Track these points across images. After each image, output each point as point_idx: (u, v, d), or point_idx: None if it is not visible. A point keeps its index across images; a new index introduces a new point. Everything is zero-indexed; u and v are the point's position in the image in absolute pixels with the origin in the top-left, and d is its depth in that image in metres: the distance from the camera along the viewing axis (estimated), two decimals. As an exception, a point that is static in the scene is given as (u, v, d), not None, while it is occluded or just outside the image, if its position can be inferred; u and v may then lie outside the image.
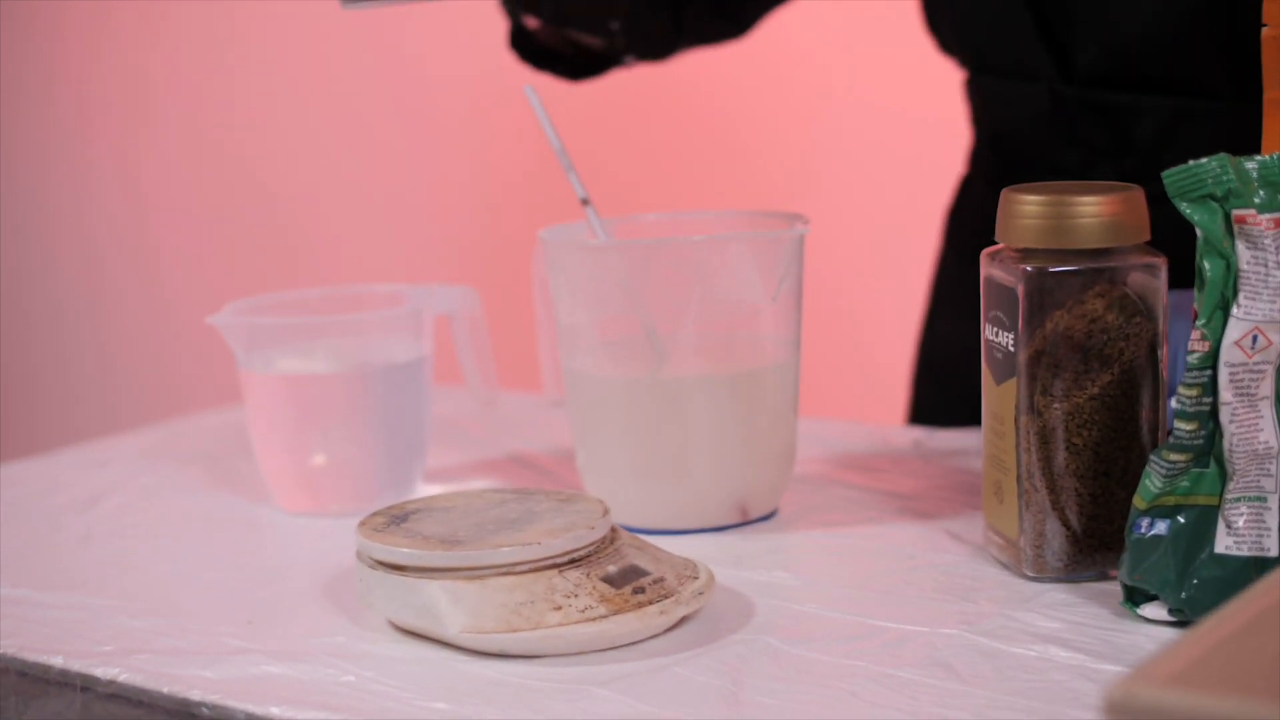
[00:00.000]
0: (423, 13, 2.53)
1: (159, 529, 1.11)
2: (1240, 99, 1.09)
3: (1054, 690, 0.79)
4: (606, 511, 0.92)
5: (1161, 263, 0.91)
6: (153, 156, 2.87)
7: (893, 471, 1.15)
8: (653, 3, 1.34)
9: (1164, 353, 0.92)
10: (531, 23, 1.34)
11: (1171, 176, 0.83)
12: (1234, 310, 0.82)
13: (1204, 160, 0.82)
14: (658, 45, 1.37)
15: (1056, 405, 0.91)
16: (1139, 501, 0.86)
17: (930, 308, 1.45)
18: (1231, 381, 0.83)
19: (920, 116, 1.87)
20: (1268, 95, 0.94)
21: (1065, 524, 0.92)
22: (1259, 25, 0.93)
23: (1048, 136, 1.23)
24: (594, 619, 0.85)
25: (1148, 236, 0.92)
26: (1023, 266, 0.91)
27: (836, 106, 1.84)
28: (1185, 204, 0.83)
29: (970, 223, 1.38)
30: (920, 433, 1.25)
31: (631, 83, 2.11)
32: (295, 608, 0.95)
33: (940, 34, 1.34)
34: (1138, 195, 0.91)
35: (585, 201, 1.08)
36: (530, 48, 1.36)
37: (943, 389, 1.42)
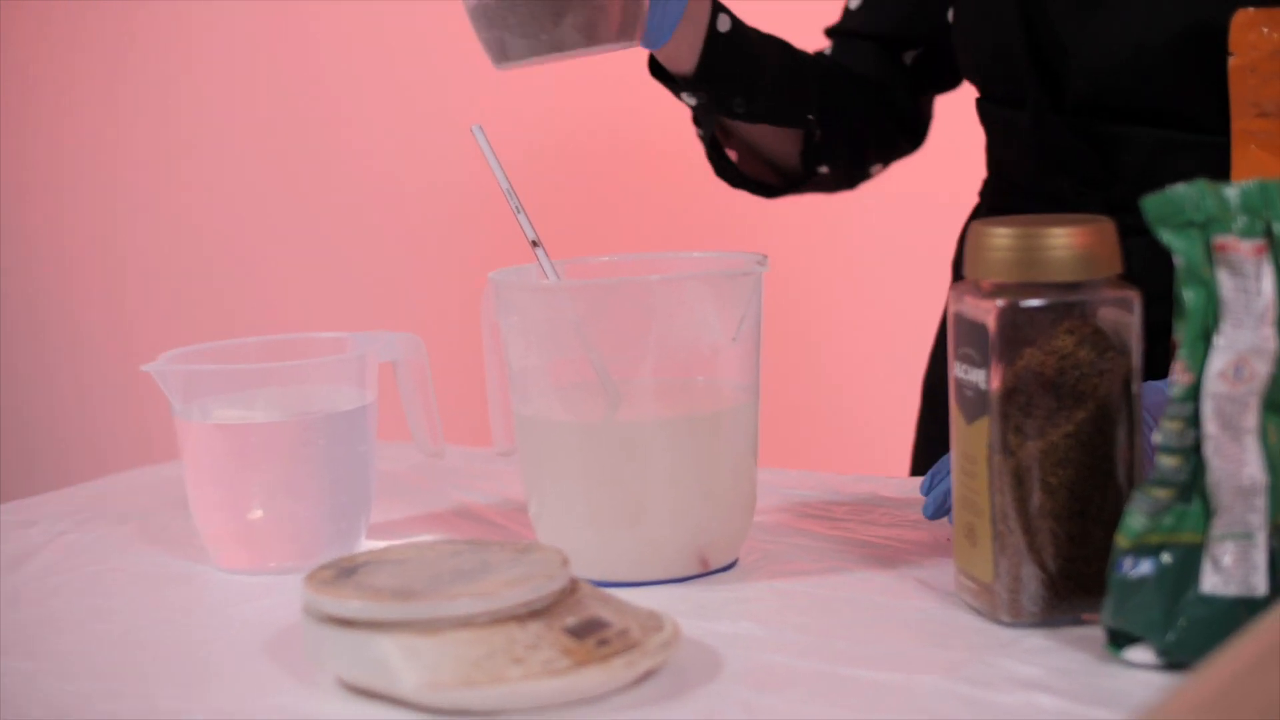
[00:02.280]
0: (365, 54, 2.49)
1: (89, 589, 1.06)
2: (1227, 132, 1.08)
3: (1043, 738, 0.75)
4: (565, 562, 0.88)
5: (1135, 296, 0.89)
6: (78, 205, 2.79)
7: (852, 520, 1.11)
8: (841, 102, 1.36)
9: (1137, 388, 0.89)
10: (733, 154, 1.37)
11: (1151, 204, 0.80)
12: (1216, 340, 0.80)
13: (1183, 186, 0.80)
14: (850, 157, 1.39)
15: (1030, 444, 0.88)
16: (1121, 540, 0.83)
17: (935, 347, 1.43)
18: (1216, 414, 0.80)
19: (946, 147, 1.87)
20: (1236, 125, 0.93)
21: (1041, 567, 0.89)
22: None
23: (1038, 165, 1.23)
24: (557, 672, 0.81)
25: (1120, 269, 0.89)
26: (994, 301, 0.88)
27: None
28: (1165, 231, 0.80)
29: None
30: (877, 482, 1.22)
31: (586, 118, 2.07)
32: (237, 667, 0.90)
33: (959, 56, 1.34)
34: (1109, 227, 0.89)
35: (535, 243, 1.04)
36: (727, 169, 1.38)
37: (944, 432, 1.39)
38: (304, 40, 2.57)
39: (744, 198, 1.40)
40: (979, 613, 0.92)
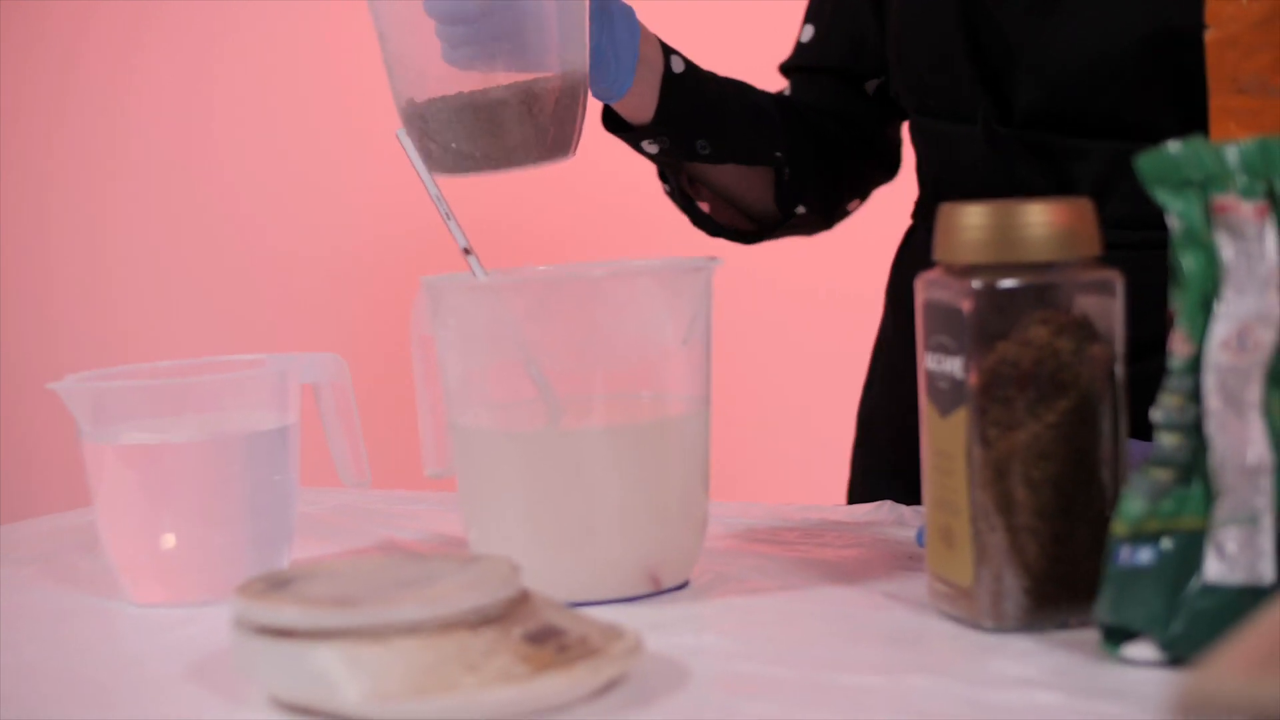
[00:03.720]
0: (282, 61, 2.43)
1: (-8, 626, 0.98)
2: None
3: (1052, 731, 0.69)
4: (516, 569, 0.81)
5: (1116, 278, 0.84)
6: None
7: (806, 543, 1.06)
8: (808, 139, 1.32)
9: (1122, 375, 0.84)
10: (705, 205, 1.32)
11: (1147, 161, 0.76)
12: (1218, 308, 0.75)
13: (1179, 142, 0.75)
14: (825, 193, 1.34)
15: (1010, 436, 0.83)
16: (1119, 527, 0.77)
17: (870, 371, 1.38)
18: (1219, 387, 0.75)
19: None
20: (1214, 103, 0.88)
21: (1025, 568, 0.83)
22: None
23: (986, 179, 1.17)
24: (516, 679, 0.74)
25: (1099, 250, 0.84)
26: (968, 282, 0.83)
27: None
28: (1162, 191, 0.75)
29: (910, 276, 1.32)
30: (824, 510, 1.16)
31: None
32: (159, 692, 0.83)
33: (891, 73, 1.29)
34: (1087, 205, 0.84)
35: (467, 251, 0.98)
36: (704, 221, 1.34)
37: (880, 457, 1.34)
38: (216, 52, 2.50)
39: (680, 223, 1.35)
40: (957, 620, 0.86)
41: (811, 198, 1.32)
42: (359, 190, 2.29)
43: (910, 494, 1.18)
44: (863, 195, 1.39)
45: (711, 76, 1.25)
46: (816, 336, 2.17)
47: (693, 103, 1.21)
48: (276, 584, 0.81)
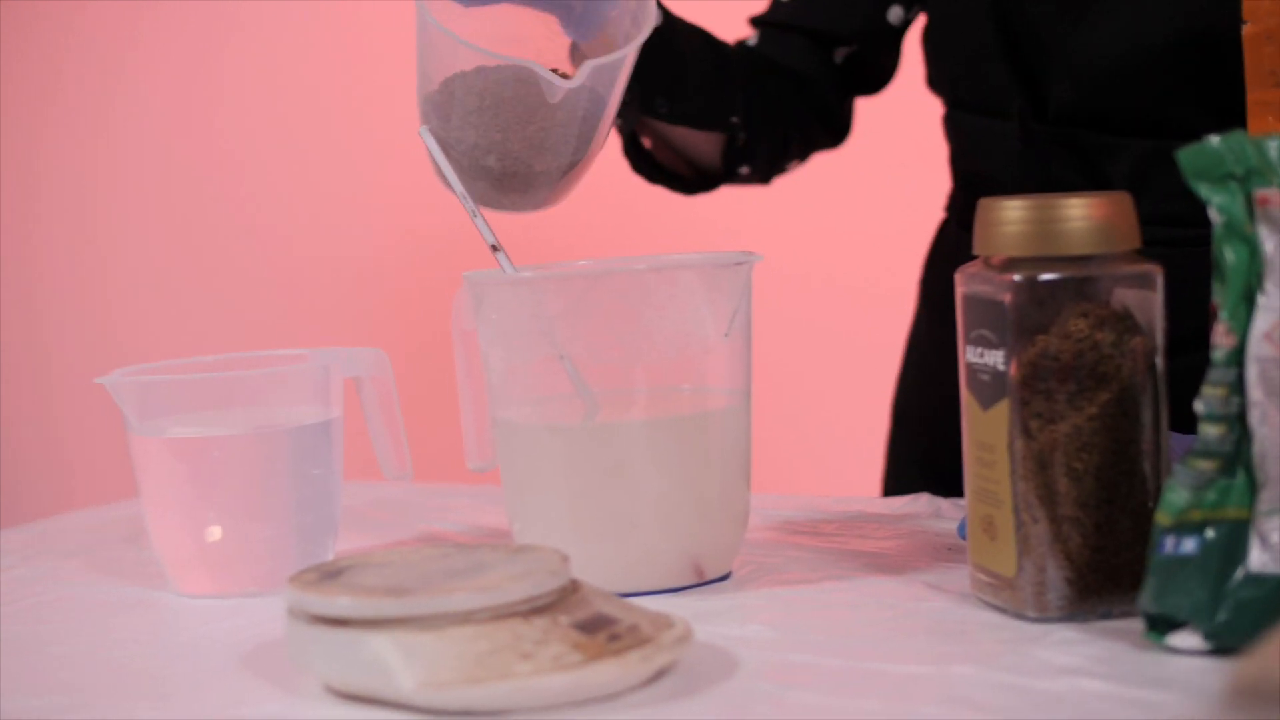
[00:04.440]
0: (323, 61, 2.43)
1: (43, 615, 0.99)
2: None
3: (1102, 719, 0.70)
4: (565, 559, 0.83)
5: (1156, 271, 0.85)
6: (40, 221, 2.66)
7: (845, 535, 1.06)
8: (766, 102, 1.30)
9: (1162, 367, 0.85)
10: (647, 141, 1.31)
11: (1187, 155, 0.77)
12: (1260, 299, 0.76)
13: (1220, 137, 0.76)
14: (771, 154, 1.33)
15: (1052, 427, 0.84)
16: (1163, 517, 0.78)
17: (904, 365, 1.38)
18: (1261, 378, 0.76)
19: (904, 161, 1.80)
20: (1251, 97, 0.89)
21: (1068, 558, 0.84)
22: (1242, 65, 0.88)
23: (1020, 175, 1.18)
24: (569, 667, 0.75)
25: (1139, 243, 0.85)
26: (1010, 276, 0.84)
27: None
28: (1203, 185, 0.76)
29: (944, 272, 1.32)
30: (861, 501, 1.17)
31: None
32: (213, 679, 0.84)
33: (928, 65, 1.29)
34: (1126, 199, 0.85)
35: (495, 247, 0.99)
36: (645, 162, 1.32)
37: (913, 450, 1.35)
38: (258, 52, 2.50)
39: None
40: (1000, 610, 0.87)
41: (758, 160, 1.32)
42: (394, 186, 2.29)
43: (944, 486, 1.19)
44: (804, 158, 1.38)
45: (683, 29, 1.22)
46: (848, 329, 2.18)
47: (660, 57, 1.18)
48: (329, 574, 0.82)
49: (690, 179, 1.34)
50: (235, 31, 2.51)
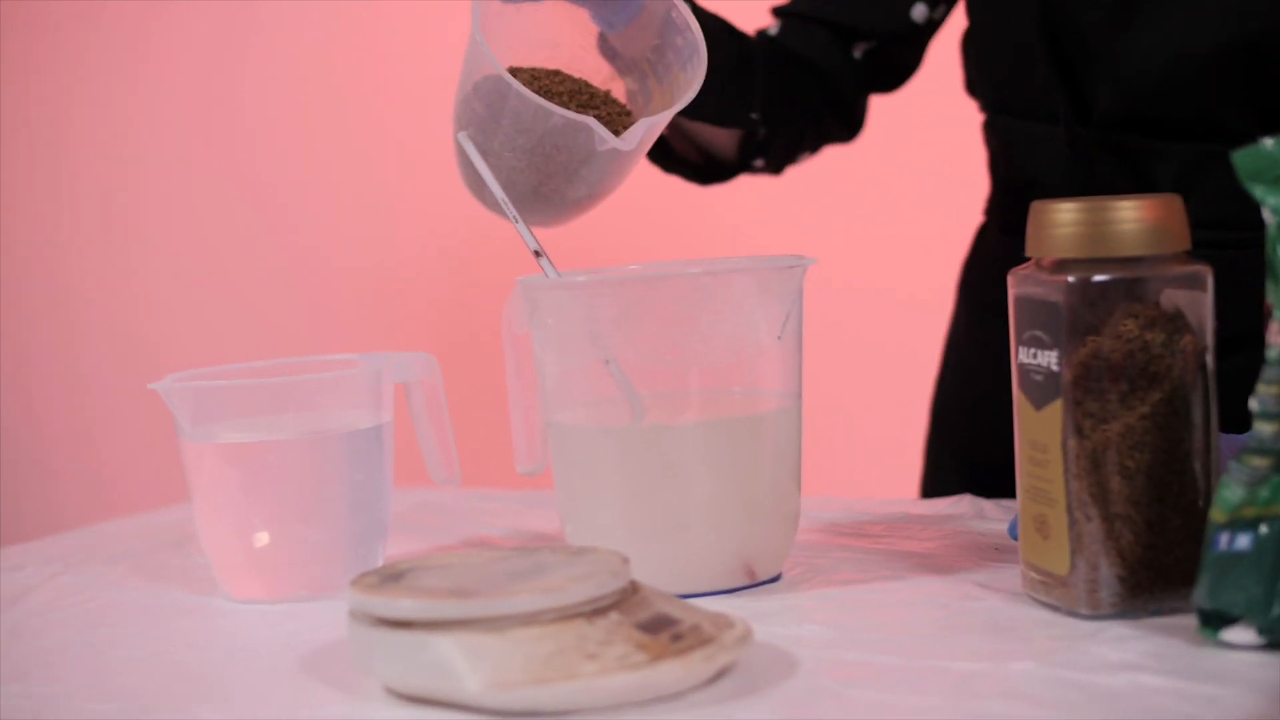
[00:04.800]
0: (369, 64, 2.44)
1: (96, 621, 1.00)
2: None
3: (1162, 714, 0.71)
4: (626, 560, 0.83)
5: (1206, 271, 0.86)
6: (77, 224, 2.66)
7: (891, 536, 1.07)
8: (785, 97, 1.30)
9: (1212, 366, 0.86)
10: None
11: (1243, 157, 0.77)
12: (1314, 299, 0.77)
13: (1275, 139, 0.77)
14: (786, 147, 1.33)
15: (1105, 427, 0.85)
16: (1217, 514, 0.79)
17: (942, 367, 1.39)
18: (1315, 377, 0.77)
19: (940, 165, 1.80)
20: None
21: (1120, 555, 0.85)
22: None
23: (1065, 179, 1.18)
24: (634, 667, 0.76)
25: (1189, 245, 0.86)
26: (1064, 277, 0.85)
27: (848, 156, 1.76)
28: (1258, 187, 0.77)
29: (984, 274, 1.33)
30: (905, 503, 1.18)
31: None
32: (274, 683, 0.85)
33: (968, 70, 1.30)
34: (1177, 201, 0.86)
35: (538, 253, 1.00)
36: (661, 152, 1.32)
37: (952, 452, 1.35)
38: (306, 50, 2.50)
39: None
40: (1053, 608, 0.87)
41: (773, 152, 1.32)
42: (433, 191, 2.29)
43: (984, 487, 1.20)
44: (816, 150, 1.38)
45: (707, 21, 1.21)
46: (885, 331, 2.19)
47: None
48: (390, 577, 0.83)
49: (704, 168, 1.34)
50: (280, 29, 2.51)
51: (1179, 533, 0.85)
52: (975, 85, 1.30)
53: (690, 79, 1.03)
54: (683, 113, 1.20)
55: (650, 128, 1.01)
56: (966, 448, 1.33)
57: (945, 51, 1.36)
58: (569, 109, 1.01)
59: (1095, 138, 1.17)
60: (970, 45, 1.29)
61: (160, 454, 2.20)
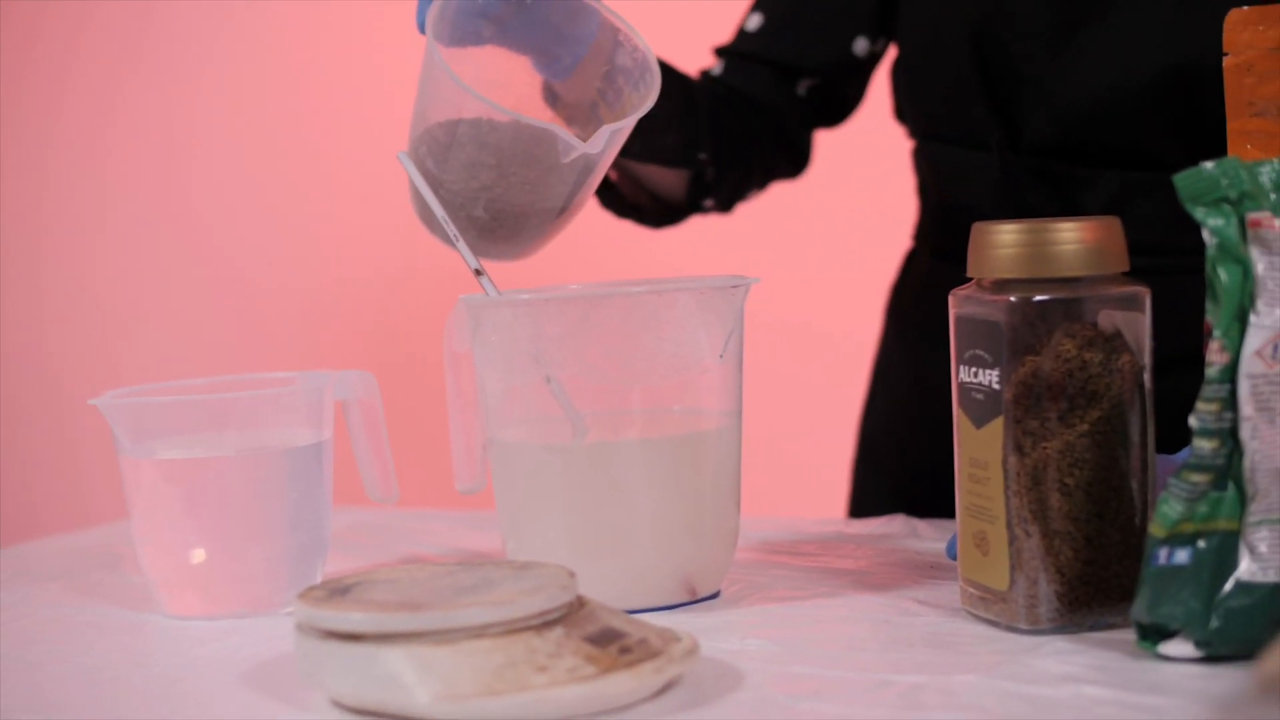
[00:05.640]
0: (312, 81, 2.43)
1: (32, 638, 0.99)
2: None
3: (1109, 725, 0.72)
4: (572, 575, 0.84)
5: (1144, 292, 0.87)
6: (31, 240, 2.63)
7: (826, 554, 1.08)
8: (732, 137, 1.31)
9: (1150, 385, 0.87)
10: (613, 175, 1.32)
11: (1184, 180, 0.79)
12: (1252, 318, 0.78)
13: (1215, 163, 0.79)
14: (734, 185, 1.34)
15: (1044, 444, 0.86)
16: (1157, 530, 0.81)
17: (871, 390, 1.40)
18: (1253, 395, 0.78)
19: (870, 190, 1.81)
20: (1231, 125, 0.92)
21: (1059, 571, 0.86)
22: (1221, 100, 0.91)
23: (996, 206, 1.20)
24: (584, 679, 0.77)
25: (1127, 266, 0.88)
26: (1005, 297, 0.86)
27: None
28: (1199, 209, 0.79)
29: (914, 298, 1.34)
30: (839, 523, 1.19)
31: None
32: (220, 697, 0.85)
33: (897, 97, 1.31)
34: (1116, 223, 0.88)
35: (479, 272, 1.01)
36: (611, 197, 1.33)
37: (882, 473, 1.36)
38: (249, 69, 2.49)
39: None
40: (992, 623, 0.89)
41: (722, 192, 1.34)
42: (380, 205, 2.29)
43: (912, 510, 1.21)
44: (764, 187, 1.39)
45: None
46: (808, 355, 2.20)
47: None
48: (337, 590, 0.83)
49: (655, 211, 1.36)
50: (220, 48, 2.50)
51: (1117, 549, 0.87)
52: (905, 112, 1.32)
53: (644, 95, 1.04)
54: (632, 155, 1.21)
55: (615, 134, 1.01)
56: (896, 470, 1.35)
57: (873, 76, 1.38)
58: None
59: (1027, 165, 1.19)
60: (900, 72, 1.31)
61: (87, 473, 2.19)
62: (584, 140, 1.01)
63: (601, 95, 1.09)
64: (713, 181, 1.31)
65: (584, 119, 1.10)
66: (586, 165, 1.02)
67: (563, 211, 1.05)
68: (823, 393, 1.98)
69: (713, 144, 1.29)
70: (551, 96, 1.11)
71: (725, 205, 1.36)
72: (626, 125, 1.01)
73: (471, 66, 1.06)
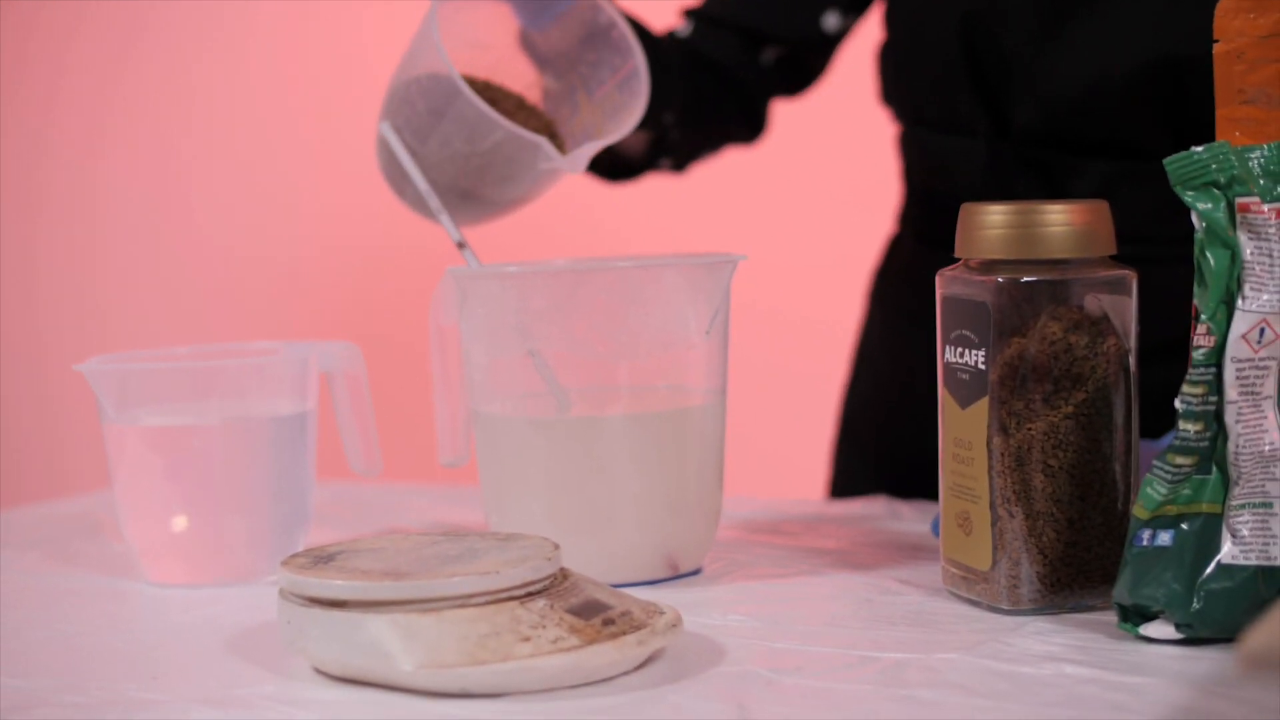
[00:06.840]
0: (295, 58, 2.43)
1: (11, 603, 0.99)
2: None
3: (1090, 703, 0.73)
4: (556, 546, 0.84)
5: (1131, 276, 0.88)
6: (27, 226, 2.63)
7: (808, 534, 1.09)
8: (697, 100, 1.30)
9: (1135, 369, 0.88)
10: None
11: (1174, 163, 0.79)
12: (1239, 303, 0.79)
13: (1204, 147, 0.79)
14: (692, 146, 1.34)
15: (1029, 425, 0.86)
16: (1140, 511, 0.81)
17: (853, 373, 1.40)
18: (1238, 378, 0.79)
19: (850, 175, 1.81)
20: (1220, 113, 0.92)
21: (1042, 552, 0.87)
22: (1208, 90, 0.91)
23: (983, 193, 1.20)
24: (568, 649, 0.77)
25: (1114, 249, 0.88)
26: (993, 278, 0.87)
27: (762, 161, 1.76)
28: (1188, 192, 0.79)
29: (898, 282, 1.34)
30: (819, 504, 1.19)
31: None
32: (202, 662, 0.85)
33: (884, 82, 1.31)
34: (1104, 207, 0.88)
35: (462, 245, 1.01)
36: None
37: (863, 456, 1.37)
38: (237, 45, 2.49)
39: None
40: (974, 603, 0.89)
41: (679, 153, 1.33)
42: (366, 178, 2.28)
43: (893, 491, 1.21)
44: (718, 150, 1.38)
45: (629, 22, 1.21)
46: (792, 338, 2.21)
47: None
48: (322, 558, 0.83)
49: (611, 167, 1.34)
50: (216, 30, 2.50)
51: (1099, 530, 0.87)
52: (891, 97, 1.32)
53: (629, 102, 1.05)
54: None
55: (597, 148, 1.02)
56: (877, 452, 1.35)
57: (855, 61, 1.38)
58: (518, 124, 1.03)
59: (1014, 153, 1.19)
60: (888, 57, 1.30)
61: (68, 441, 2.19)
62: (566, 139, 1.02)
63: (584, 80, 1.09)
64: (674, 143, 1.31)
65: (560, 77, 1.11)
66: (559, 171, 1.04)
67: (529, 197, 1.06)
68: (803, 376, 1.99)
69: (678, 106, 1.29)
70: (529, 44, 1.12)
71: (680, 165, 1.36)
72: (613, 140, 1.03)
73: (458, 25, 1.06)
